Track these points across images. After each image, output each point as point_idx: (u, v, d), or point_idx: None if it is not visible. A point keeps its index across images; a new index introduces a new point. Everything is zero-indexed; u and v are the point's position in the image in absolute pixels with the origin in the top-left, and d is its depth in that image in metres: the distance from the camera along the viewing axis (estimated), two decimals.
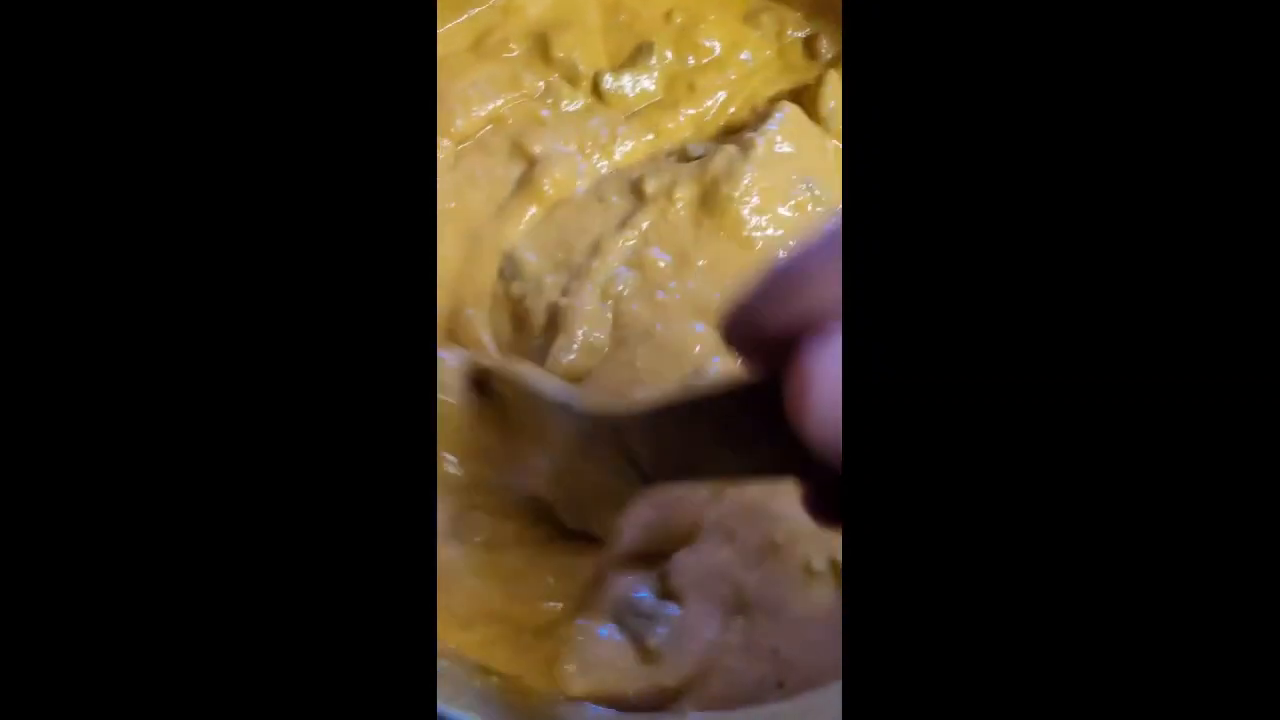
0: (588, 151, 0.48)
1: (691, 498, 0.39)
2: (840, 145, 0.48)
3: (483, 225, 0.47)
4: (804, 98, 0.50)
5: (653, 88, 0.51)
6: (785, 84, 0.52)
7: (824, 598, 0.37)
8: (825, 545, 0.37)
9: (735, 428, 0.26)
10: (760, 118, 0.47)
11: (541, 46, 0.51)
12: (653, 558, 0.38)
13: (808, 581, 0.37)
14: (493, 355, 0.43)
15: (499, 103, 0.50)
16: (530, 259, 0.45)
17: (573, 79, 0.51)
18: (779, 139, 0.45)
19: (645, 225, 0.44)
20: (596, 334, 0.42)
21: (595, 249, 0.44)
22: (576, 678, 0.36)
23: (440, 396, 0.38)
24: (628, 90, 0.50)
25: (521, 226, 0.46)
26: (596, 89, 0.50)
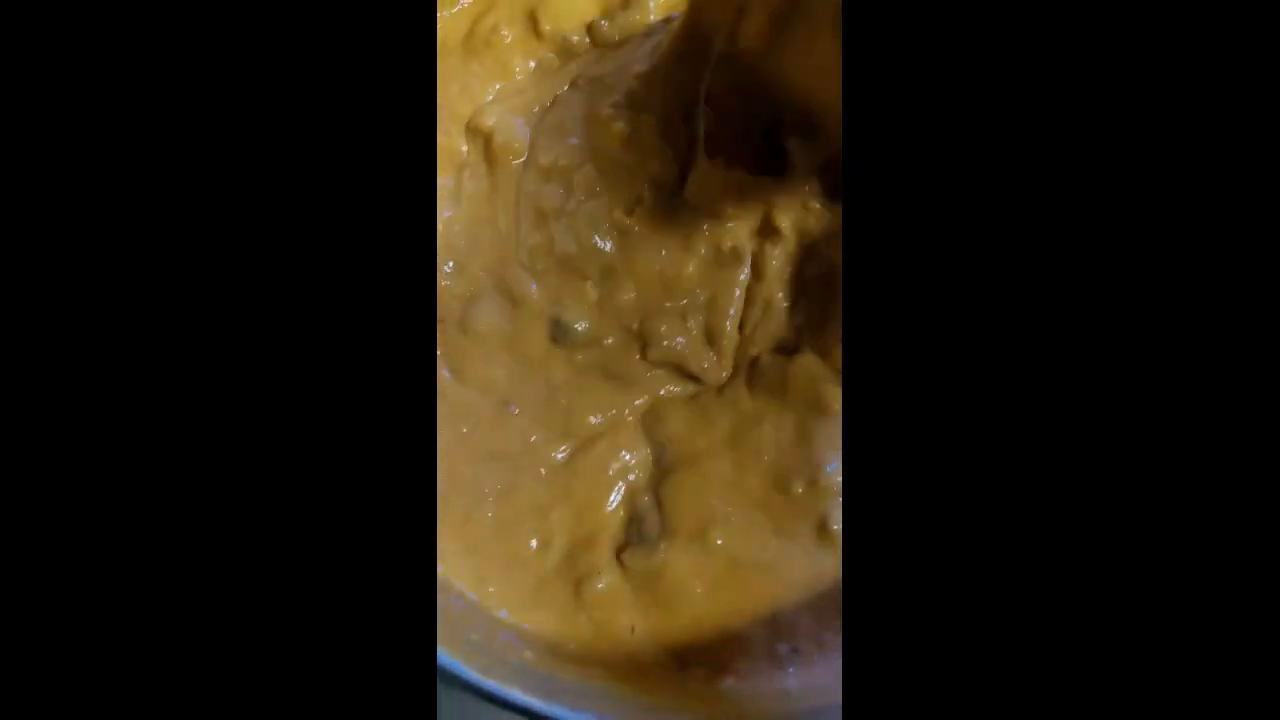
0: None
1: None
2: None
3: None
4: None
5: (654, 20, 0.46)
6: None
7: (830, 562, 0.36)
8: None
9: None
10: None
11: (532, 23, 0.48)
12: None
13: (820, 542, 0.36)
14: None
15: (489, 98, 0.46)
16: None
17: (564, 50, 0.47)
18: None
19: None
20: None
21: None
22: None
23: None
24: (619, 35, 0.46)
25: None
26: (593, 37, 0.46)
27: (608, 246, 0.40)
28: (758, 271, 0.40)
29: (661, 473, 0.38)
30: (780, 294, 0.39)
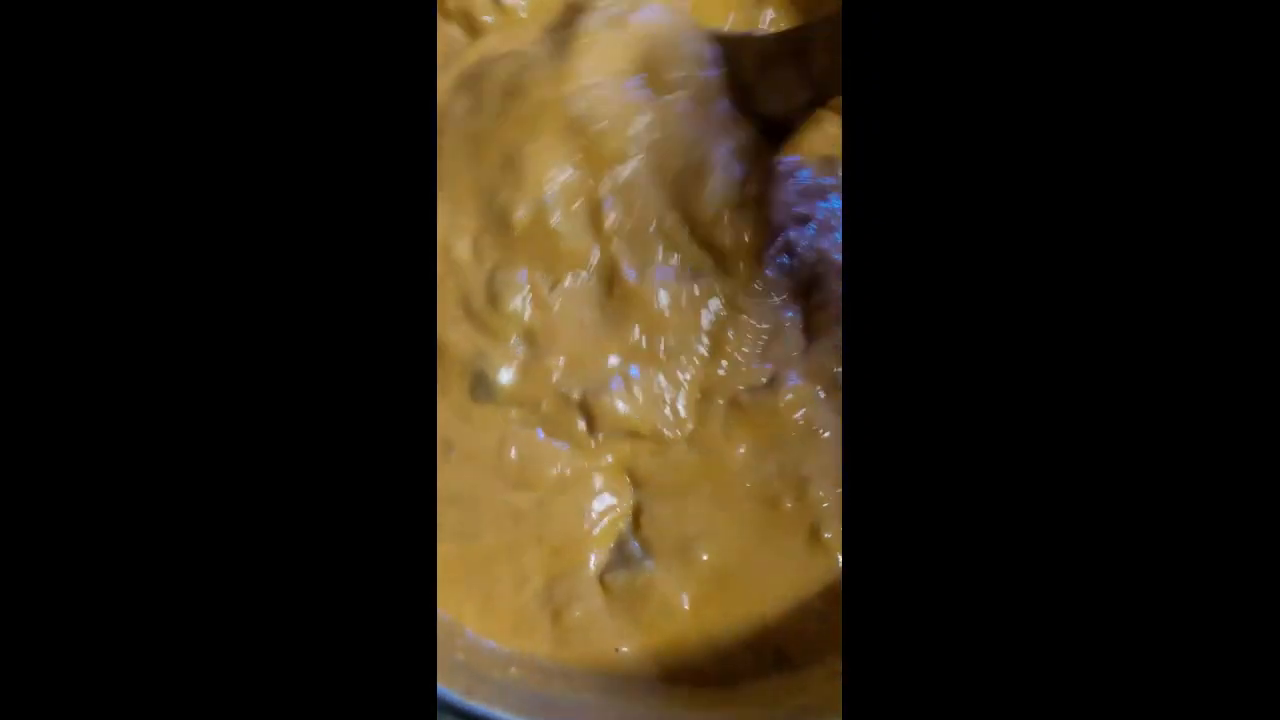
0: None
1: None
2: None
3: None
4: None
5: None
6: None
7: (821, 568, 0.35)
8: (836, 516, 0.35)
9: None
10: None
11: None
12: None
13: (811, 550, 0.35)
14: None
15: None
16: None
17: (471, 28, 0.44)
18: None
19: None
20: None
21: None
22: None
23: None
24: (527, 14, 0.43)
25: None
26: (501, 13, 0.43)
27: (527, 315, 0.37)
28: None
29: (641, 503, 0.37)
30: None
